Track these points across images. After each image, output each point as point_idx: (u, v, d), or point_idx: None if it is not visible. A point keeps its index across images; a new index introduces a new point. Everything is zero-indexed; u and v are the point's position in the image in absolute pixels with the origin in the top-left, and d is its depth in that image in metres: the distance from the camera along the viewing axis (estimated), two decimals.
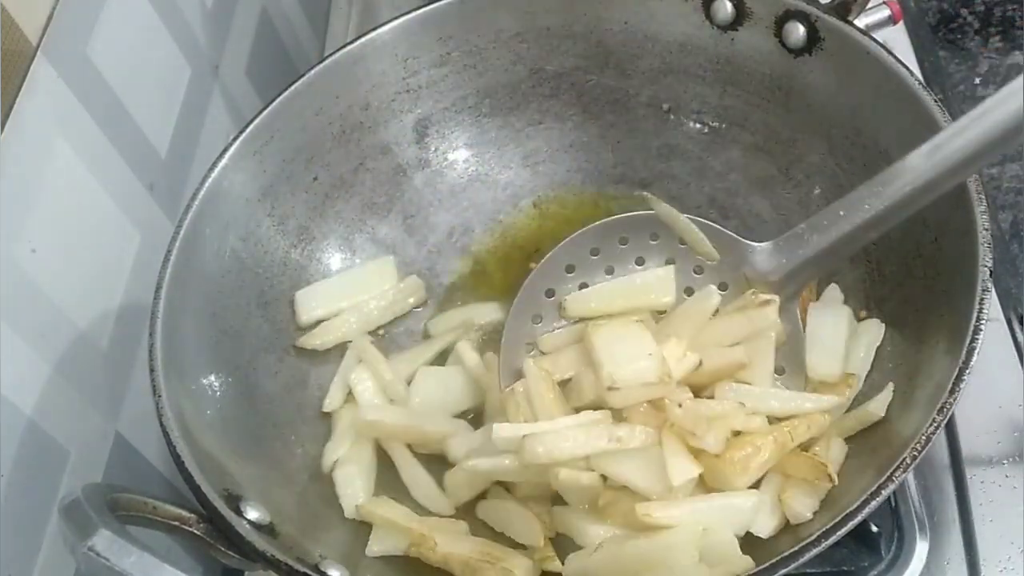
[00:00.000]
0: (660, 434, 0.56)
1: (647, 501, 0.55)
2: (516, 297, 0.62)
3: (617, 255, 0.61)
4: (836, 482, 0.56)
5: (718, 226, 0.62)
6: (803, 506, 0.56)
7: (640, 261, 0.61)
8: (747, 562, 0.53)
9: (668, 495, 0.55)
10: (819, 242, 0.60)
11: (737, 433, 0.58)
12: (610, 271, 0.61)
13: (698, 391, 0.59)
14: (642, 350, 0.57)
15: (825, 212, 0.59)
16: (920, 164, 0.54)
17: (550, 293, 0.61)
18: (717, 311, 0.63)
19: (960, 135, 0.53)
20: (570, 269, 0.61)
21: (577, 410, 0.59)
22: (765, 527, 0.56)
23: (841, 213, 0.58)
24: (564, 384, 0.62)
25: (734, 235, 0.62)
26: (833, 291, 0.66)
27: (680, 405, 0.56)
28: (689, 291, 0.62)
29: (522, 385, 0.61)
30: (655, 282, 0.61)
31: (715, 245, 0.61)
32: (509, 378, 0.62)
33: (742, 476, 0.56)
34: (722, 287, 0.62)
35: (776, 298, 0.61)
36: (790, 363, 0.63)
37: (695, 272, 0.62)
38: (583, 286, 0.62)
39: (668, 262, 0.61)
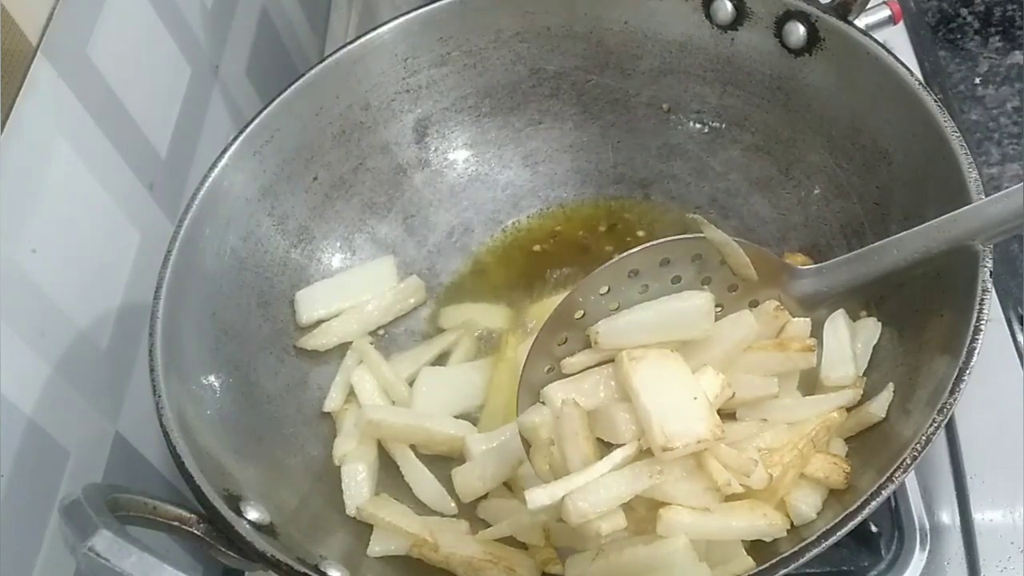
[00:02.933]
0: (699, 458, 0.55)
1: (668, 507, 0.54)
2: (547, 319, 0.59)
3: (655, 274, 0.59)
4: (848, 485, 0.56)
5: (765, 249, 0.61)
6: (807, 506, 0.56)
7: (676, 279, 0.59)
8: (749, 562, 0.53)
9: (706, 499, 0.55)
10: (865, 274, 0.59)
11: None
12: (644, 289, 0.59)
13: (720, 410, 0.58)
14: (686, 392, 0.55)
15: (878, 247, 0.58)
16: (989, 212, 0.54)
17: (581, 314, 0.59)
18: None
19: None
20: (605, 290, 0.59)
21: (605, 441, 0.56)
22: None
23: (895, 251, 0.58)
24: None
25: (779, 259, 0.62)
26: None
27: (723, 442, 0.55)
28: (719, 306, 0.61)
29: (541, 415, 0.58)
30: (692, 313, 0.58)
31: (757, 265, 0.60)
32: (528, 398, 0.59)
33: (772, 498, 0.56)
34: (752, 304, 0.62)
35: (815, 341, 0.60)
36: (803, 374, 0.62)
37: (729, 290, 0.61)
38: (616, 307, 0.59)
39: (704, 280, 0.60)
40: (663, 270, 0.59)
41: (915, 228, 0.57)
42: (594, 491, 0.53)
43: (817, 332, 0.62)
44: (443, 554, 0.59)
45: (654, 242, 0.59)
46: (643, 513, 0.55)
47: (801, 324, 0.61)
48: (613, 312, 0.60)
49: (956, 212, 0.56)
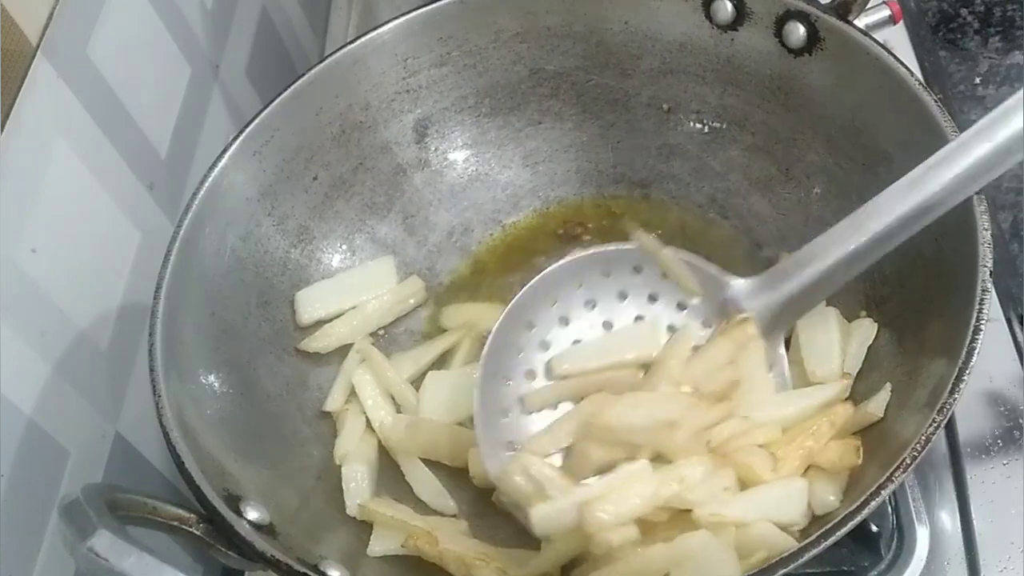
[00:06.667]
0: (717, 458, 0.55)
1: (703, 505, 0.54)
2: (496, 326, 0.60)
3: (599, 288, 0.60)
4: (861, 460, 0.56)
5: (700, 260, 0.62)
6: (831, 495, 0.55)
7: (623, 295, 0.61)
8: (789, 541, 0.53)
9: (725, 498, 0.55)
10: (807, 276, 0.59)
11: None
12: (592, 304, 0.61)
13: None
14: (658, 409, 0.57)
15: (812, 245, 0.58)
16: (920, 183, 0.55)
17: (531, 325, 0.60)
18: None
19: (961, 151, 0.54)
20: (552, 301, 0.60)
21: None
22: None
23: (832, 239, 0.58)
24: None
25: (715, 270, 0.62)
26: None
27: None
28: (672, 328, 0.62)
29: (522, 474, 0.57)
30: (644, 335, 0.60)
31: (697, 280, 0.61)
32: (490, 428, 0.59)
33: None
34: (706, 324, 0.62)
35: (751, 313, 0.60)
36: None
37: (678, 307, 0.62)
38: (564, 319, 0.61)
39: (651, 297, 0.61)
40: (607, 282, 0.60)
41: (853, 212, 0.58)
42: (616, 501, 0.53)
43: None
44: (438, 550, 0.59)
45: (590, 251, 0.60)
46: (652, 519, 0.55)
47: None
48: (564, 328, 0.61)
49: (885, 191, 0.57)
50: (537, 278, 0.61)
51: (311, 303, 0.72)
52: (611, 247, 0.61)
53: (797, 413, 0.59)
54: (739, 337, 0.60)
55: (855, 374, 0.62)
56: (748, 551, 0.53)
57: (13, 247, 0.59)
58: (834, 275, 0.58)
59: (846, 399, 0.60)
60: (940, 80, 0.92)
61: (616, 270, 0.61)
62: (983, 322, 0.52)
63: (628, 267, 0.61)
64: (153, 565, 0.46)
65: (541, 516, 0.54)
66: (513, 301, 0.60)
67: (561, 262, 0.61)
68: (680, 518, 0.54)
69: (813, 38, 0.68)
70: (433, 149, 0.80)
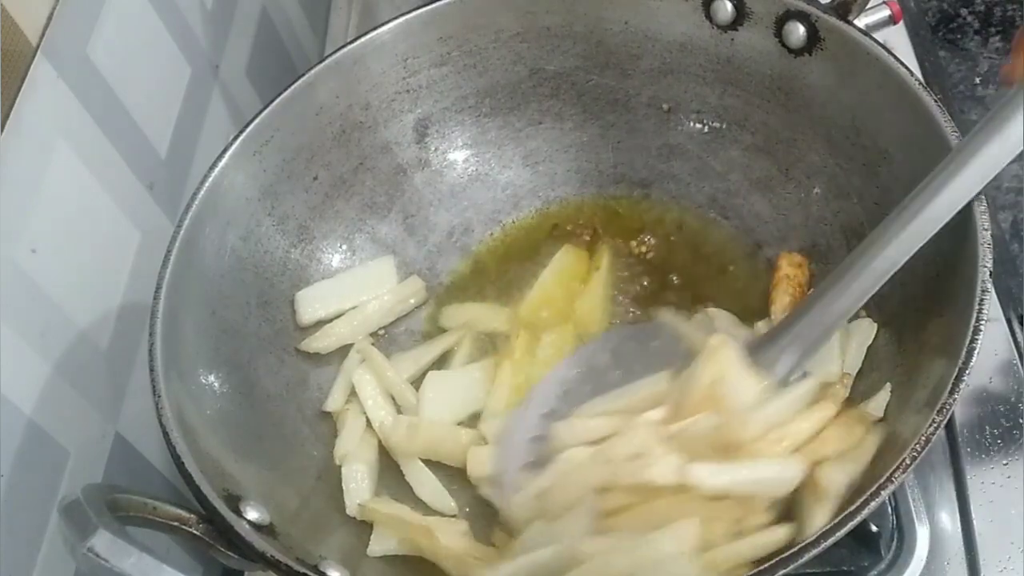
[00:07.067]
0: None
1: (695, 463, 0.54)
2: (535, 389, 0.68)
3: (634, 358, 0.66)
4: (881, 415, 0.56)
5: (725, 317, 0.67)
6: (843, 475, 0.54)
7: (653, 365, 0.64)
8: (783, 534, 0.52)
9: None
10: (813, 317, 0.59)
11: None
12: (627, 372, 0.65)
13: None
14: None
15: (823, 287, 0.59)
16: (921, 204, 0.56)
17: (567, 395, 0.66)
18: None
19: (958, 164, 0.55)
20: (588, 368, 0.67)
21: None
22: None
23: (842, 271, 0.58)
24: None
25: (734, 328, 0.66)
26: None
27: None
28: None
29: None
30: (659, 380, 0.63)
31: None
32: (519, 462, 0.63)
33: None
34: None
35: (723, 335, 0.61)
36: None
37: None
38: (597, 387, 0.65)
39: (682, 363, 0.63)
40: (641, 350, 0.66)
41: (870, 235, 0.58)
42: (562, 490, 0.57)
43: None
44: (437, 547, 0.59)
45: (623, 327, 0.69)
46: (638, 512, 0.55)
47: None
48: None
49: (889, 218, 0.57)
50: (577, 352, 0.69)
51: (311, 303, 0.72)
52: (641, 325, 0.70)
53: (777, 410, 0.57)
54: (710, 351, 0.60)
55: (855, 374, 0.62)
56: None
57: (13, 247, 0.59)
58: (860, 296, 0.58)
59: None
60: (940, 80, 0.92)
61: (650, 341, 0.67)
62: (983, 322, 0.52)
63: (658, 339, 0.66)
64: (153, 565, 0.46)
65: (516, 505, 0.59)
66: (552, 372, 0.68)
67: (598, 339, 0.69)
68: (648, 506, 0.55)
69: (813, 38, 0.68)
70: (433, 149, 0.80)
